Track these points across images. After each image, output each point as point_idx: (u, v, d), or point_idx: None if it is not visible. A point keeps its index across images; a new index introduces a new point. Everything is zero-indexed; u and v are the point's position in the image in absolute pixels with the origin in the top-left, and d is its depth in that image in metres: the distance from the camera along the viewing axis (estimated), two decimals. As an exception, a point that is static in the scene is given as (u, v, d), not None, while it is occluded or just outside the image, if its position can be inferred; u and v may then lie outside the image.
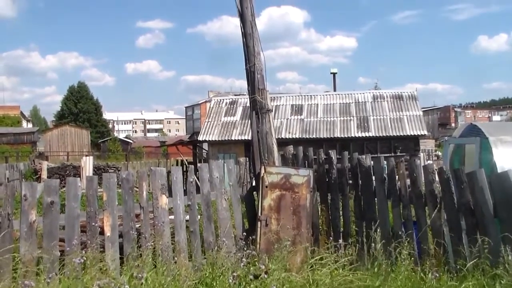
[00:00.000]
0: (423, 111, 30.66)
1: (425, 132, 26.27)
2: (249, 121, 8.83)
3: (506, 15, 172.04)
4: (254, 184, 7.69)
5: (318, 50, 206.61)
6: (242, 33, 7.59)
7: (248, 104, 8.52)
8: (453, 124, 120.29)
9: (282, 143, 9.45)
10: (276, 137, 7.88)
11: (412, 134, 25.51)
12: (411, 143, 25.72)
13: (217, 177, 7.00)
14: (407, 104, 27.56)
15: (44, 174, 25.96)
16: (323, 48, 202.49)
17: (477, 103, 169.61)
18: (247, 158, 9.07)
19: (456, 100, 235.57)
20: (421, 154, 29.61)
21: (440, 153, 38.04)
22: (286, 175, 6.91)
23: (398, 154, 24.47)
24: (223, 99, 31.38)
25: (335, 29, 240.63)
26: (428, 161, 32.07)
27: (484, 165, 6.60)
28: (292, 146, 7.68)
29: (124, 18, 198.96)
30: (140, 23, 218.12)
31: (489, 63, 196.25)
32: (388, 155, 23.49)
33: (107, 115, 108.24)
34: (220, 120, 28.45)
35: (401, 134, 25.53)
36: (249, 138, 8.54)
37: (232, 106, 29.68)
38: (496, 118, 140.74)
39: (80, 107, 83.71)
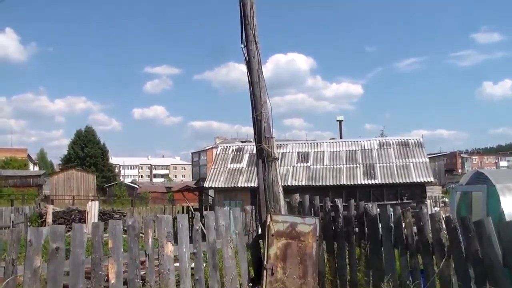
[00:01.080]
0: (429, 157, 30.59)
1: (432, 179, 26.15)
2: (256, 168, 8.87)
3: (510, 61, 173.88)
4: (260, 232, 7.66)
5: (325, 97, 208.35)
6: (249, 81, 7.71)
7: (254, 151, 8.57)
8: (459, 170, 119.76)
9: (289, 190, 9.44)
10: (282, 184, 7.90)
11: (419, 181, 25.39)
12: (417, 190, 25.57)
13: (223, 225, 6.98)
14: (413, 151, 27.55)
15: (50, 218, 25.87)
16: (329, 95, 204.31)
17: (483, 148, 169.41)
18: (253, 206, 9.07)
19: (463, 146, 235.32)
20: (428, 201, 29.38)
21: (447, 200, 37.74)
22: (292, 223, 6.89)
23: (405, 201, 24.31)
24: (230, 146, 31.50)
25: (341, 76, 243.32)
26: (435, 208, 31.81)
27: (492, 213, 6.56)
28: (298, 194, 7.68)
29: (132, 64, 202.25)
30: (148, 68, 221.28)
31: (495, 108, 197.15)
32: (395, 202, 23.36)
33: (113, 160, 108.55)
34: (227, 167, 28.49)
35: (408, 181, 25.41)
36: (256, 185, 8.56)
37: (238, 153, 29.77)
38: (503, 163, 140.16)
39: (87, 151, 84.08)
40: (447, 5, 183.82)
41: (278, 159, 7.88)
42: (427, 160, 27.32)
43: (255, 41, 7.74)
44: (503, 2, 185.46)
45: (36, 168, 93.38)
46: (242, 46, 7.89)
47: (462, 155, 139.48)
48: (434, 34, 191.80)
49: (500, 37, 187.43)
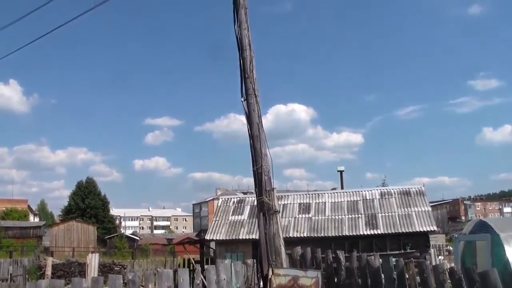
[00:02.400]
0: (431, 205, 30.41)
1: (435, 228, 25.93)
2: (257, 220, 8.85)
3: (509, 107, 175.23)
4: (262, 286, 7.57)
5: (325, 147, 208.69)
6: (249, 135, 7.80)
7: (255, 203, 8.57)
8: (463, 218, 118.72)
9: (290, 242, 9.39)
10: (284, 236, 7.86)
11: (422, 230, 25.18)
12: (421, 239, 25.32)
13: (224, 279, 6.91)
14: (415, 200, 27.43)
15: (49, 271, 25.53)
16: (330, 145, 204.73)
17: (486, 195, 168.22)
18: (255, 260, 9.00)
19: (465, 193, 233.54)
20: (432, 250, 29.08)
21: (451, 248, 37.32)
22: (294, 277, 6.83)
23: (408, 251, 24.06)
24: (231, 198, 31.44)
25: (342, 126, 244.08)
26: (440, 257, 31.44)
27: (497, 262, 6.50)
28: (300, 246, 7.64)
29: (133, 115, 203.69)
30: (149, 120, 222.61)
31: (496, 154, 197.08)
32: (398, 252, 23.13)
33: (114, 211, 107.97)
34: (228, 219, 28.35)
35: (410, 230, 25.20)
36: (257, 237, 8.52)
37: (239, 205, 29.68)
38: (507, 209, 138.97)
39: (87, 203, 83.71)
40: (444, 53, 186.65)
41: (279, 212, 7.87)
42: (430, 208, 27.18)
43: (255, 94, 7.87)
44: (499, 49, 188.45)
45: (37, 219, 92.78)
46: (242, 100, 8.02)
47: (465, 202, 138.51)
48: (432, 82, 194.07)
49: (498, 83, 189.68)
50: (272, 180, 7.78)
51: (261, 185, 7.62)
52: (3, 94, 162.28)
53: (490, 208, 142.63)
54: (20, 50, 15.25)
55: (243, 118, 8.11)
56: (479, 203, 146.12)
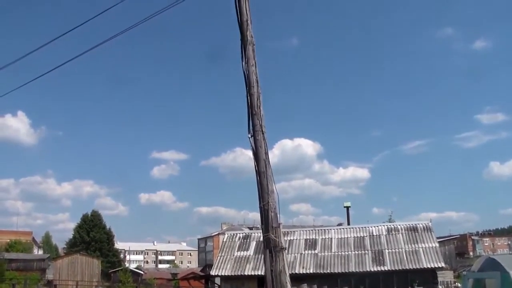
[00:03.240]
0: (439, 241, 30.10)
1: (442, 264, 25.60)
2: (263, 256, 8.78)
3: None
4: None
5: (332, 182, 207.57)
6: (256, 171, 7.80)
7: (261, 239, 8.53)
8: (471, 253, 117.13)
9: (296, 278, 9.29)
10: (290, 272, 7.79)
11: (429, 266, 24.88)
12: (428, 276, 25.00)
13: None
14: (422, 236, 27.19)
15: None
16: (336, 180, 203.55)
17: (494, 230, 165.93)
18: (260, 298, 8.91)
19: (473, 228, 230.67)
20: (440, 287, 28.65)
21: (459, 285, 36.73)
22: (300, 315, 6.74)
23: (416, 288, 23.73)
24: (236, 233, 31.30)
25: (348, 161, 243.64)
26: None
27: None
28: (306, 283, 7.56)
29: (140, 149, 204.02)
30: (155, 153, 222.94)
31: (504, 188, 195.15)
32: (405, 289, 22.85)
33: (119, 245, 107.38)
34: (233, 255, 28.15)
35: (418, 267, 24.91)
36: (263, 273, 8.45)
37: (245, 240, 29.50)
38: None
39: (92, 236, 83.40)
40: (449, 87, 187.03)
41: (286, 249, 7.82)
42: (437, 244, 26.90)
43: (262, 131, 7.91)
44: (504, 83, 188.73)
45: (41, 252, 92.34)
46: (249, 136, 8.05)
47: (473, 237, 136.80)
48: (438, 117, 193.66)
49: (504, 117, 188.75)
50: (278, 217, 7.75)
51: (267, 222, 7.59)
52: (11, 125, 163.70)
53: (498, 243, 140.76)
54: (28, 81, 15.39)
55: (249, 153, 8.15)
56: (488, 239, 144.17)
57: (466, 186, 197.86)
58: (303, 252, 27.41)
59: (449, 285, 38.16)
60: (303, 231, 30.73)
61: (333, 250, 27.20)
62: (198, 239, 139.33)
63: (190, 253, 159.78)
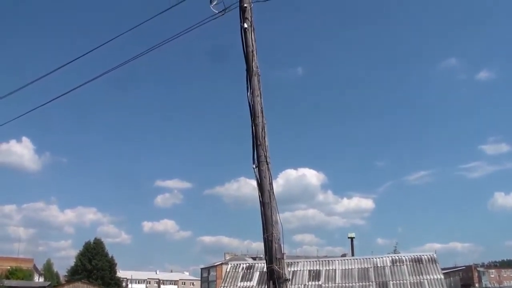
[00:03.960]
0: (444, 273, 29.72)
1: (448, 299, 25.24)
2: (266, 287, 8.68)
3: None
4: None
5: (336, 212, 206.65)
6: (260, 202, 7.78)
7: (265, 269, 8.45)
8: (477, 285, 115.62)
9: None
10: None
11: (435, 299, 24.53)
12: (434, 309, 24.62)
13: None
14: (427, 267, 26.85)
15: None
16: (340, 210, 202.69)
17: (500, 261, 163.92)
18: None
19: (478, 259, 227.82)
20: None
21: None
22: None
23: (421, 321, 23.38)
24: (240, 264, 31.02)
25: (352, 191, 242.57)
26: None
27: None
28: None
29: (144, 177, 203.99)
30: (159, 182, 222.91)
31: (509, 219, 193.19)
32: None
33: (121, 273, 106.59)
34: (237, 285, 27.87)
35: (423, 299, 24.55)
36: (266, 305, 8.34)
37: (248, 271, 29.23)
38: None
39: (94, 264, 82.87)
40: (453, 118, 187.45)
41: (289, 280, 7.74)
42: (442, 276, 26.54)
43: (266, 161, 7.91)
44: (508, 114, 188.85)
45: (42, 279, 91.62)
46: (254, 167, 8.05)
47: (478, 268, 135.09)
48: (443, 147, 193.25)
49: (508, 148, 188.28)
50: (282, 248, 7.70)
51: (271, 253, 7.54)
52: (16, 151, 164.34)
53: (505, 275, 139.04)
54: (33, 109, 15.50)
55: (253, 183, 8.13)
56: (493, 270, 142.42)
57: (471, 216, 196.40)
58: (307, 283, 27.09)
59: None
60: (307, 262, 30.44)
61: (337, 282, 26.88)
62: (201, 268, 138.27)
63: (192, 283, 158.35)
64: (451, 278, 66.06)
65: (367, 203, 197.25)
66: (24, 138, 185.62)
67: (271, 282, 7.50)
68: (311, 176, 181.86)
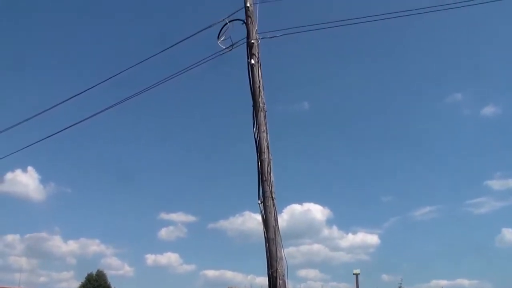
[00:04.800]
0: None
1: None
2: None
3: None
4: None
5: (341, 247, 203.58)
6: (265, 237, 7.76)
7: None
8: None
9: None
10: None
11: None
12: None
13: None
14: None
15: None
16: (345, 245, 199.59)
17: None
18: None
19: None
20: None
21: None
22: None
23: None
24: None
25: (358, 226, 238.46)
26: None
27: None
28: None
29: (148, 209, 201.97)
30: (163, 215, 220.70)
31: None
32: None
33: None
34: (239, 319, 27.51)
35: None
36: None
37: (252, 304, 28.86)
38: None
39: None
40: (459, 154, 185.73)
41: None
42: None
43: (272, 197, 7.92)
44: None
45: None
46: (259, 202, 8.06)
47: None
48: (448, 182, 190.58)
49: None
50: (287, 283, 7.64)
51: (275, 289, 7.49)
52: (21, 181, 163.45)
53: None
54: (40, 139, 15.58)
55: (258, 217, 8.12)
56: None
57: (478, 252, 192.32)
58: (311, 320, 26.71)
59: None
60: (310, 297, 30.04)
61: (341, 318, 26.50)
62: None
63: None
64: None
65: (372, 239, 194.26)
66: (29, 168, 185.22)
67: (275, 320, 7.43)
68: (316, 211, 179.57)
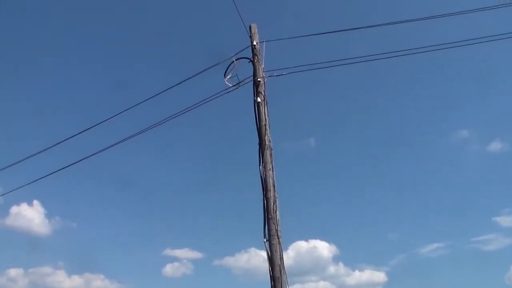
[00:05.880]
0: None
1: None
2: None
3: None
4: None
5: (347, 285, 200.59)
6: (270, 276, 7.72)
7: None
8: None
9: None
10: None
11: None
12: None
13: None
14: None
15: None
16: (352, 283, 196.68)
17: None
18: None
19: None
20: None
21: None
22: None
23: None
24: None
25: (364, 263, 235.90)
26: None
27: None
28: None
29: (153, 245, 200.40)
30: (169, 250, 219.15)
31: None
32: None
33: None
34: None
35: None
36: None
37: None
38: None
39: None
40: (466, 190, 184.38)
41: None
42: None
43: (277, 235, 7.91)
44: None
45: None
46: (265, 240, 8.04)
47: None
48: (456, 219, 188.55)
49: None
50: (292, 322, 7.55)
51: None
52: (26, 215, 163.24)
53: None
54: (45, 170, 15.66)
55: (263, 254, 8.08)
56: None
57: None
58: None
59: None
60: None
61: None
62: None
63: None
64: None
65: (379, 276, 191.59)
66: (35, 202, 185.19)
67: None
68: (323, 248, 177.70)
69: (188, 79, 11.54)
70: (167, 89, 12.52)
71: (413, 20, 12.51)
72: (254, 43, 10.24)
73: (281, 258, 7.73)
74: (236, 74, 10.14)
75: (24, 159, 15.96)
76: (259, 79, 9.75)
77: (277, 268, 7.66)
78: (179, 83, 11.80)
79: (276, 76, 10.16)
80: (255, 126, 9.14)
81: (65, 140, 14.83)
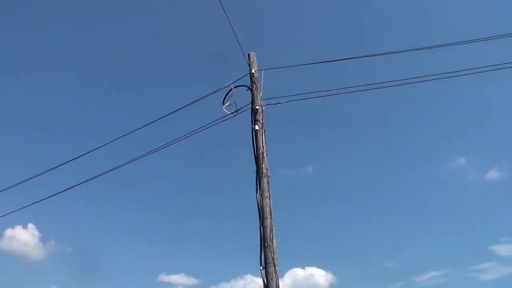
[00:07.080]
0: None
1: None
2: None
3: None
4: None
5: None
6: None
7: None
8: None
9: None
10: None
11: None
12: None
13: None
14: None
15: None
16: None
17: None
18: None
19: None
20: None
21: None
22: None
23: None
24: None
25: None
26: None
27: None
28: None
29: (148, 271, 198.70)
30: (163, 276, 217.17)
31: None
32: None
33: None
34: None
35: None
36: None
37: None
38: None
39: None
40: (462, 218, 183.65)
41: None
42: None
43: (273, 263, 7.89)
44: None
45: None
46: (261, 268, 8.01)
47: None
48: (453, 248, 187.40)
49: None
50: None
51: None
52: (20, 238, 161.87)
53: None
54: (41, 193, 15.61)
55: (259, 281, 8.04)
56: None
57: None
58: None
59: None
60: None
61: None
62: None
63: None
64: None
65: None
66: (30, 225, 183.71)
67: None
68: (319, 275, 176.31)
69: (185, 106, 11.59)
70: (163, 116, 12.55)
71: (412, 49, 12.64)
72: (253, 71, 10.34)
73: (277, 286, 7.70)
74: (235, 102, 10.22)
75: (20, 183, 15.93)
76: (257, 107, 9.83)
77: (272, 297, 7.64)
78: (176, 110, 11.84)
79: (274, 104, 10.23)
80: (253, 154, 9.18)
81: (62, 164, 14.83)
